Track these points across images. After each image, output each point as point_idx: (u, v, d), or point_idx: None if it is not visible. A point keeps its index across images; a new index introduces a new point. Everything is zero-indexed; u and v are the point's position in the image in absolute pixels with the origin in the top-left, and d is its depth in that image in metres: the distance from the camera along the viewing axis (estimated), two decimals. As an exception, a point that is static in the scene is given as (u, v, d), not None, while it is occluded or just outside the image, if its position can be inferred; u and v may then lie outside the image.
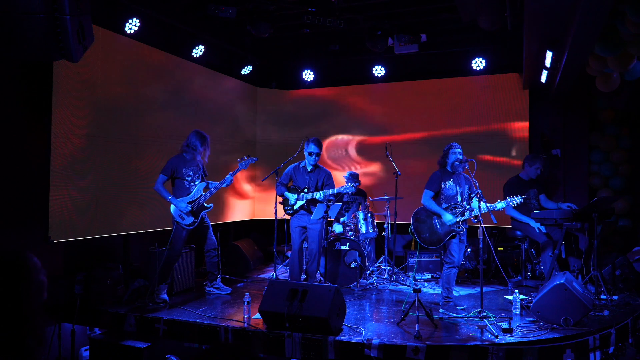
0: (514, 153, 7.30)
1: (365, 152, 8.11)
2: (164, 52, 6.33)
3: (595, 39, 4.62)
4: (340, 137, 8.29)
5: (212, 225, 5.57)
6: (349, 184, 5.44)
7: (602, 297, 5.01)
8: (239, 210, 7.93)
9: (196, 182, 5.32)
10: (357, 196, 7.02)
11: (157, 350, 4.62)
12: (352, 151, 8.21)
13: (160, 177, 5.22)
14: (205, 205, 5.34)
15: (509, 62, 7.29)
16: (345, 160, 8.23)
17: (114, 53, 5.57)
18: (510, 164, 7.26)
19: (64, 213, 4.97)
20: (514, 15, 5.25)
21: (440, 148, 5.23)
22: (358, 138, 8.22)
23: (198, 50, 6.78)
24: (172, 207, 5.22)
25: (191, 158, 5.31)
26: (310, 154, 5.54)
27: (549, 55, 5.22)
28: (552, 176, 7.22)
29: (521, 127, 7.29)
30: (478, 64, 7.40)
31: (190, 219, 5.23)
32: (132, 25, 5.69)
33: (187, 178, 5.27)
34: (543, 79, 6.01)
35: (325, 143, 8.00)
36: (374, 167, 7.99)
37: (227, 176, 5.36)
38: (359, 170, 8.00)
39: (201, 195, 5.29)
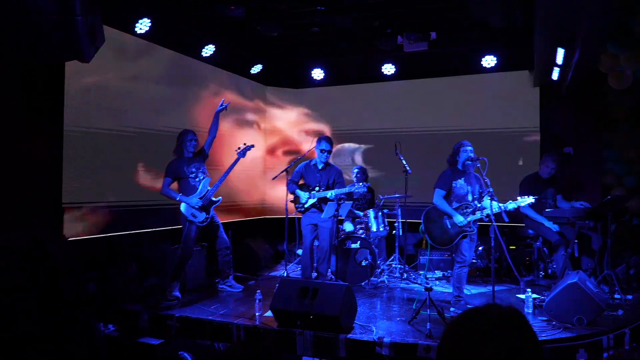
0: (524, 151, 7.24)
1: (375, 149, 8.09)
2: (174, 51, 6.38)
3: (607, 36, 4.58)
4: (350, 134, 8.29)
5: (223, 223, 5.59)
6: (360, 184, 5.43)
7: (616, 296, 4.95)
8: (250, 209, 7.96)
9: (200, 177, 5.34)
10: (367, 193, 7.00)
11: (170, 347, 4.66)
12: (362, 149, 8.20)
13: (165, 181, 5.24)
14: (214, 199, 5.36)
15: (519, 59, 7.23)
16: (355, 157, 8.24)
17: (124, 53, 5.62)
18: (521, 162, 7.21)
19: (77, 211, 5.02)
20: (525, 13, 5.22)
21: (450, 146, 5.17)
22: (367, 136, 8.21)
23: (208, 50, 6.82)
24: (182, 206, 5.22)
25: (191, 155, 5.32)
26: (322, 151, 5.55)
27: (560, 52, 5.18)
28: (564, 174, 7.15)
29: (532, 125, 7.23)
30: (488, 61, 7.36)
31: (202, 215, 5.25)
32: (143, 26, 5.73)
33: (190, 175, 5.28)
34: (554, 76, 5.97)
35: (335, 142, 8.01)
36: (384, 165, 7.95)
37: (230, 166, 5.42)
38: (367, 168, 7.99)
39: (208, 190, 5.32)
